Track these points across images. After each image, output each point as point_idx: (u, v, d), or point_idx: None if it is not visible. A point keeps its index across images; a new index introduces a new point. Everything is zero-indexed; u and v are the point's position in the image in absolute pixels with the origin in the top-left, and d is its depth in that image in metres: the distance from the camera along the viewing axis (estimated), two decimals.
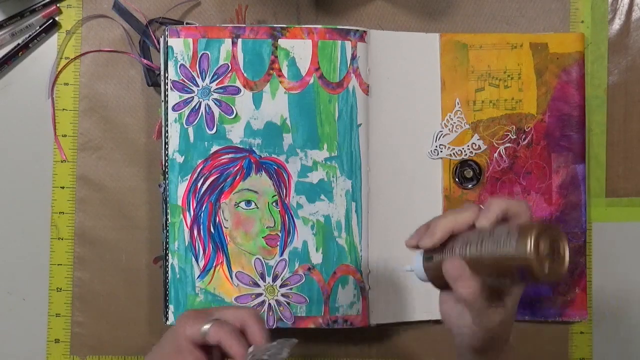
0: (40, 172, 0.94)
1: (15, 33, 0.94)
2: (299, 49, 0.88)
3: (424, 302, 0.91)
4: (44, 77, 0.94)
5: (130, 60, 0.94)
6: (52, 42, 0.94)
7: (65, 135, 0.94)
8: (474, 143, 0.93)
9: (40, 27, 0.94)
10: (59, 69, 0.94)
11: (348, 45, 0.89)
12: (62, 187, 0.94)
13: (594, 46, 0.95)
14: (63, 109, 0.94)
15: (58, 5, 0.94)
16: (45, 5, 0.94)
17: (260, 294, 0.88)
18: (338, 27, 0.89)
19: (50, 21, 0.93)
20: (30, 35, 0.94)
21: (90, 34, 0.94)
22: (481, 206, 0.66)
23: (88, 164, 0.94)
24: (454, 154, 0.93)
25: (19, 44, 0.94)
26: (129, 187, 0.94)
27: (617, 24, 0.95)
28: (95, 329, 0.94)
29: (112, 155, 0.94)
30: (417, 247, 0.68)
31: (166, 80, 0.88)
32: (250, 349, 0.64)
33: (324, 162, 0.89)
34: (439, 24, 0.94)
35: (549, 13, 0.95)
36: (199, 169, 0.88)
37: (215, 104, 0.88)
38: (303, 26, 0.89)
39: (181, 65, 0.88)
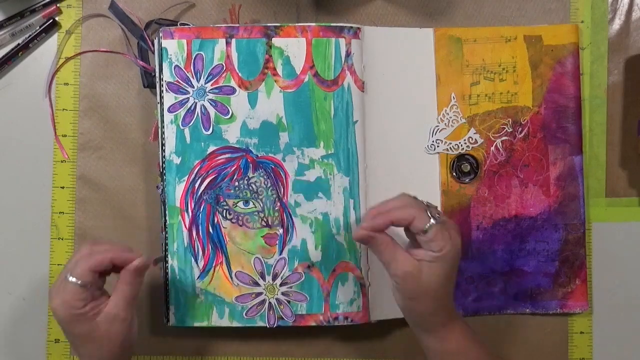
0: (40, 172, 0.94)
1: (15, 33, 0.95)
2: (293, 47, 0.88)
3: None
4: (44, 77, 0.94)
5: (129, 60, 0.94)
6: (52, 42, 0.95)
7: (65, 135, 0.94)
8: (470, 137, 0.93)
9: (40, 27, 0.94)
10: (56, 69, 0.94)
11: (342, 42, 0.89)
12: (62, 187, 0.94)
13: (594, 46, 0.95)
14: (63, 109, 0.94)
15: (58, 5, 0.95)
16: (45, 5, 0.95)
17: (260, 293, 0.88)
18: (332, 24, 0.89)
19: (50, 21, 0.94)
20: (30, 35, 0.94)
21: (89, 33, 0.95)
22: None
23: (88, 164, 0.94)
24: (450, 148, 0.93)
25: (19, 44, 0.94)
26: (129, 187, 0.94)
27: (617, 24, 0.95)
28: None
29: (112, 155, 0.94)
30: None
31: (161, 82, 0.88)
32: None
33: (320, 159, 0.89)
34: (439, 24, 0.94)
35: (549, 13, 0.95)
36: (196, 170, 0.88)
37: (210, 104, 0.88)
38: (297, 24, 0.89)
39: (176, 66, 0.88)
